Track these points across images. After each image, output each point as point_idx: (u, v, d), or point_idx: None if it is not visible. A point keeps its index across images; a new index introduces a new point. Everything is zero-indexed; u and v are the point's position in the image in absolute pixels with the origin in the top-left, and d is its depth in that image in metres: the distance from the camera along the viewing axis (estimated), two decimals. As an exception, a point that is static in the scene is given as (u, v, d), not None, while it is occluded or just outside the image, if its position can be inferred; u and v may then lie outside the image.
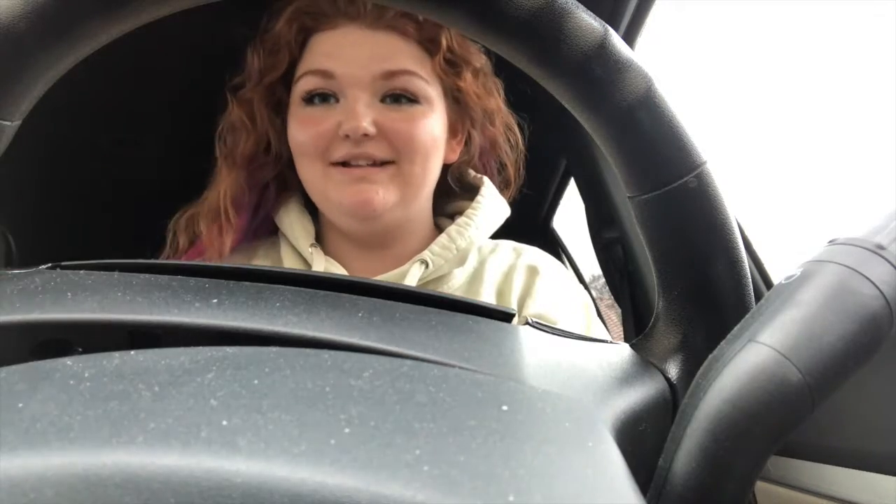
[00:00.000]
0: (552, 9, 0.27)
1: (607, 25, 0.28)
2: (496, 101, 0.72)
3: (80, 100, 0.71)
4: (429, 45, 0.65)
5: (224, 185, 0.69)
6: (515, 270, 0.70)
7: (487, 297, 0.67)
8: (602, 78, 0.28)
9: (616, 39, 0.28)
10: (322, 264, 0.65)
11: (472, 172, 0.76)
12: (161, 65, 0.82)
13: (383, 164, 0.62)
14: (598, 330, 0.70)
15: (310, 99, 0.64)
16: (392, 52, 0.63)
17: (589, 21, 0.28)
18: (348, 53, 0.63)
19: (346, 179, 0.62)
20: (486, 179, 0.73)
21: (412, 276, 0.64)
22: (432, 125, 0.64)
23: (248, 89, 0.69)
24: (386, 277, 0.65)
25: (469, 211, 0.70)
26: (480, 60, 0.69)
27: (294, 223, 0.68)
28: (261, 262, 0.71)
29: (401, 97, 0.63)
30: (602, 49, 0.27)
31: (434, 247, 0.66)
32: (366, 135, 0.60)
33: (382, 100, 0.63)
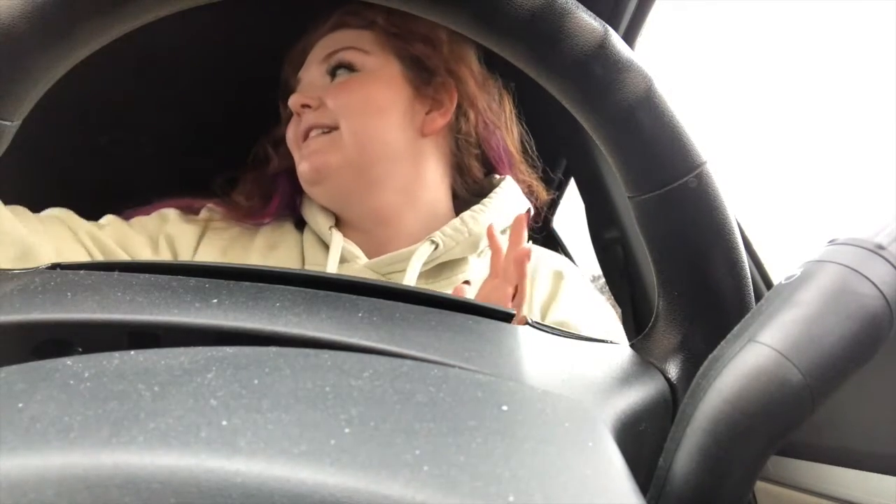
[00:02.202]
0: (552, 9, 0.27)
1: (607, 25, 0.28)
2: (466, 69, 0.74)
3: (79, 100, 0.71)
4: (369, 26, 0.72)
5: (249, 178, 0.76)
6: (538, 273, 0.71)
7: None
8: (602, 78, 0.28)
9: (616, 39, 0.28)
10: (339, 243, 0.69)
11: (496, 176, 0.77)
12: (160, 66, 0.82)
13: (331, 130, 0.69)
14: (619, 338, 0.70)
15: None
16: (335, 41, 0.71)
17: (589, 21, 0.27)
18: (309, 58, 0.73)
19: (301, 152, 0.69)
20: (507, 178, 0.76)
21: (421, 254, 0.66)
22: (370, 89, 0.70)
23: (276, 128, 0.78)
24: (396, 255, 0.67)
25: (485, 199, 0.72)
26: (432, 30, 0.73)
27: (315, 212, 0.73)
28: (287, 246, 0.73)
29: (340, 69, 0.70)
30: (602, 49, 0.27)
31: (446, 228, 0.69)
32: (305, 105, 0.69)
33: (332, 80, 0.70)
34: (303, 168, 0.69)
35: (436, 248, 0.67)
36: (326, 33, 0.72)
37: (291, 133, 0.71)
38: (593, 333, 0.65)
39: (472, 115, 0.75)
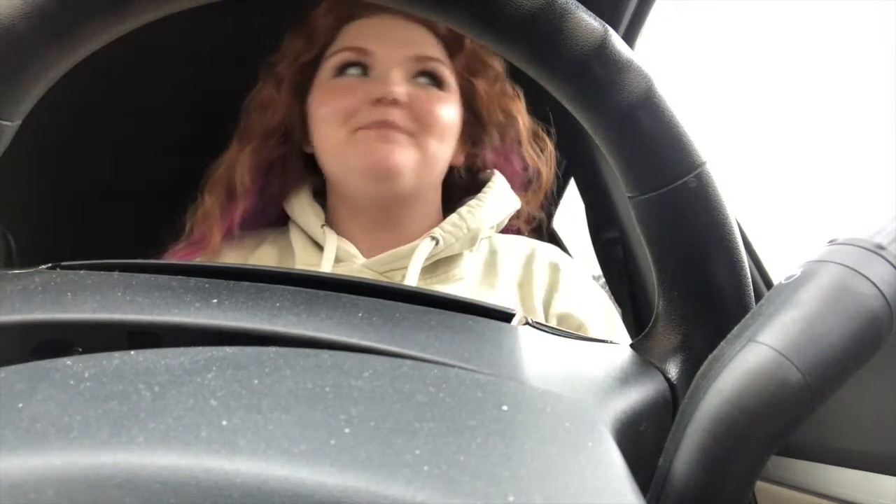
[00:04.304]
0: (552, 9, 0.27)
1: (607, 25, 0.28)
2: (516, 107, 0.73)
3: (79, 100, 0.71)
4: (453, 44, 0.70)
5: (234, 161, 0.71)
6: (535, 264, 0.70)
7: (506, 289, 0.68)
8: (602, 78, 0.28)
9: (616, 39, 0.28)
10: (334, 242, 0.66)
11: (484, 171, 0.77)
12: (161, 65, 0.82)
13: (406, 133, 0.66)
14: (619, 330, 0.71)
15: (341, 70, 0.67)
16: (423, 41, 0.68)
17: (589, 21, 0.27)
18: (384, 35, 0.67)
19: (370, 138, 0.64)
20: (496, 172, 0.75)
21: (422, 251, 0.65)
22: (451, 111, 0.68)
23: (282, 66, 0.71)
24: (396, 253, 0.66)
25: (480, 194, 0.71)
26: (499, 66, 0.72)
27: (305, 208, 0.70)
28: (269, 247, 0.71)
29: (430, 79, 0.67)
30: (602, 49, 0.27)
31: (445, 224, 0.68)
32: (395, 101, 0.63)
33: (413, 79, 0.67)
34: (375, 158, 0.63)
35: (436, 245, 0.66)
36: (405, 18, 0.68)
37: (346, 106, 0.65)
38: (596, 324, 0.67)
39: (485, 148, 0.75)
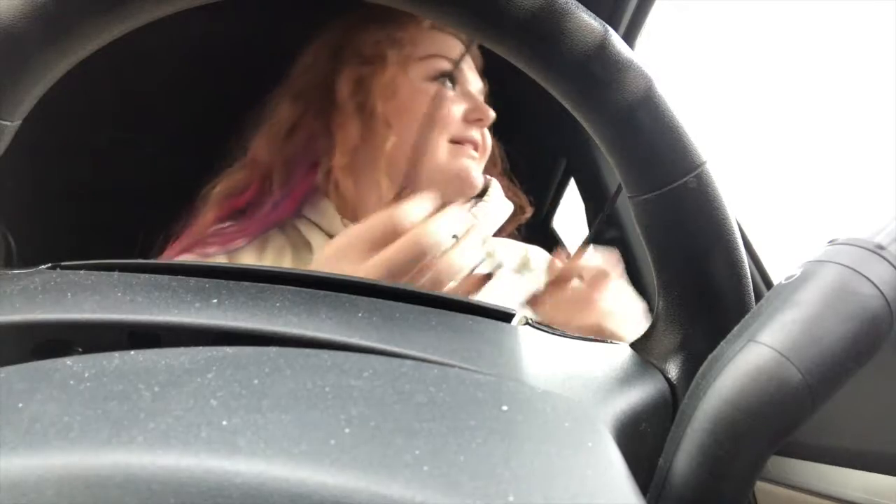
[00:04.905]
0: (552, 9, 0.27)
1: (607, 25, 0.28)
2: (495, 144, 0.82)
3: (79, 100, 0.71)
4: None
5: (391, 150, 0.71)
6: (531, 263, 0.74)
7: (511, 287, 0.69)
8: (602, 78, 0.28)
9: (616, 39, 0.28)
10: None
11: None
12: (160, 65, 0.82)
13: None
14: None
15: (435, 76, 0.71)
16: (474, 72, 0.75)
17: (589, 21, 0.27)
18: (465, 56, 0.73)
19: (459, 152, 0.70)
20: (493, 179, 0.79)
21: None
22: None
23: (403, 55, 0.71)
24: None
25: (485, 197, 0.76)
26: None
27: (323, 204, 0.72)
28: (278, 244, 0.72)
29: None
30: (602, 49, 0.27)
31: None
32: (484, 125, 0.71)
33: None
34: (469, 175, 0.69)
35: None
36: (465, 45, 0.74)
37: (444, 114, 0.68)
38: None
39: None
